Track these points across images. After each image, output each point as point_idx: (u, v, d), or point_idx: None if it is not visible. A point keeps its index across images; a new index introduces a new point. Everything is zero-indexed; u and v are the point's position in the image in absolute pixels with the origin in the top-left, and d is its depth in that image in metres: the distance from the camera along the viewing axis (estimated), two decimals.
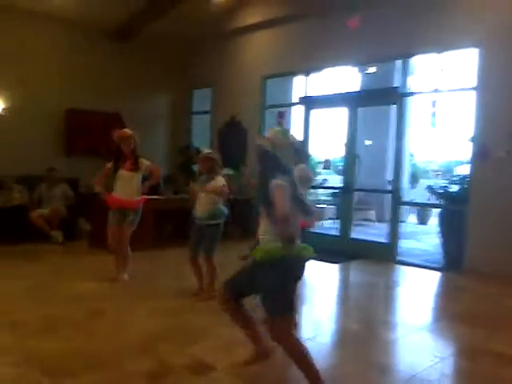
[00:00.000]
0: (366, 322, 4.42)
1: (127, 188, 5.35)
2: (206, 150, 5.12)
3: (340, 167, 12.60)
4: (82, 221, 8.12)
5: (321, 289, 5.65)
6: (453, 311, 4.90)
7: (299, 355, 2.89)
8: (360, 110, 8.01)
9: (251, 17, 9.02)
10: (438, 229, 7.11)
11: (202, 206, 4.81)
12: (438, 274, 6.52)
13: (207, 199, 4.80)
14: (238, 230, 7.98)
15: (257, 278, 2.91)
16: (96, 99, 9.12)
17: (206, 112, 10.29)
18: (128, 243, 5.37)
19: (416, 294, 5.65)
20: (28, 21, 8.39)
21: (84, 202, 7.98)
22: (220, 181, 4.83)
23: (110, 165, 5.39)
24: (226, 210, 4.93)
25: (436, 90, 7.07)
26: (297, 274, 3.01)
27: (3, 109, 8.24)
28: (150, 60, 9.92)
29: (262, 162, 3.02)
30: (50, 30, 8.69)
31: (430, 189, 7.30)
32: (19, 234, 7.31)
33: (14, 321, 4.10)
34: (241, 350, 3.54)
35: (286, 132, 3.12)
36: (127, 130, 5.41)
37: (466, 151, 6.86)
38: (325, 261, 6.86)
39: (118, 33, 9.35)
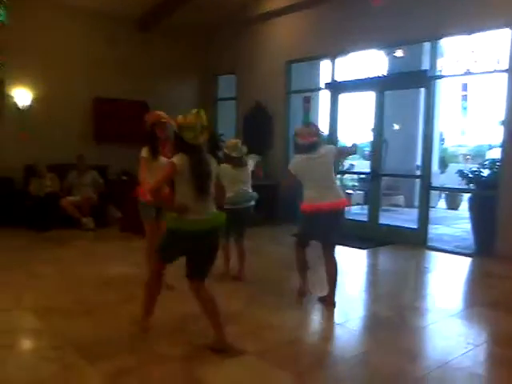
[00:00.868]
0: (396, 308, 4.39)
1: None
2: (232, 140, 5.21)
3: (367, 152, 12.45)
4: (111, 208, 8.26)
5: (350, 275, 5.62)
6: (485, 297, 4.83)
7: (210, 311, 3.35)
8: (389, 93, 7.86)
9: (275, 2, 8.90)
10: (468, 214, 6.99)
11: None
12: (468, 260, 6.41)
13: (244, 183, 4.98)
14: (262, 214, 7.98)
15: None
16: (122, 88, 9.20)
17: (232, 98, 10.27)
18: None
19: (447, 279, 5.57)
20: (55, 12, 8.49)
21: (113, 189, 8.12)
22: (250, 165, 5.05)
23: (144, 153, 4.55)
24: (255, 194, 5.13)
25: (466, 73, 6.89)
26: (193, 243, 3.22)
27: (33, 99, 8.39)
28: (174, 48, 9.94)
29: (174, 141, 3.45)
30: (76, 21, 8.75)
31: (461, 173, 7.15)
32: (51, 221, 7.52)
33: (50, 305, 4.23)
34: (270, 334, 3.57)
35: (198, 114, 3.24)
36: (163, 114, 4.59)
37: (498, 135, 6.69)
38: (353, 246, 6.84)
39: (143, 22, 9.36)
